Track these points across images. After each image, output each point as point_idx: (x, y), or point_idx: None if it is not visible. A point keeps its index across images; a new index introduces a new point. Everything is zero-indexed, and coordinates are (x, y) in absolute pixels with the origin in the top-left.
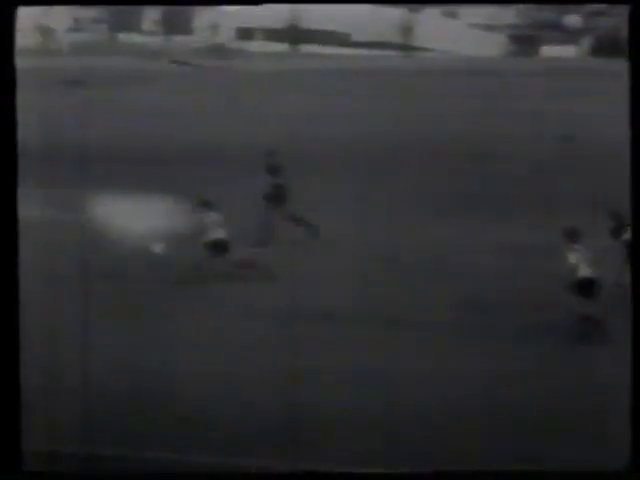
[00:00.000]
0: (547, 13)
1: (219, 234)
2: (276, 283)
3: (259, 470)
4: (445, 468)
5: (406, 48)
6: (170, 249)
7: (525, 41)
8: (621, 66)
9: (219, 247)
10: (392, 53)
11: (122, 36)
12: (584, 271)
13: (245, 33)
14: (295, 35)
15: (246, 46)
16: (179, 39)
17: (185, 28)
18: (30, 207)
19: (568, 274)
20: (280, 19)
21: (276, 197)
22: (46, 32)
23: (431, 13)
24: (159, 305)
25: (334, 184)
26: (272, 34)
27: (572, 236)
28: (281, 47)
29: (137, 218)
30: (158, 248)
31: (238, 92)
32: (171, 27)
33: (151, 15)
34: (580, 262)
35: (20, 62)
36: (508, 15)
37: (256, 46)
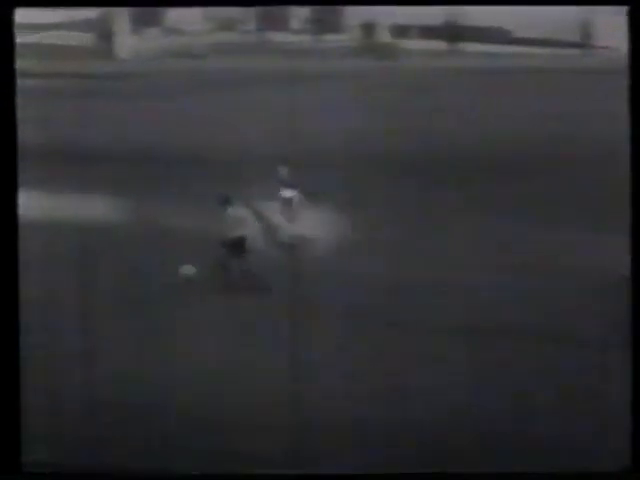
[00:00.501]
0: None
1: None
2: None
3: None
4: (445, 470)
5: (575, 45)
6: None
7: None
8: None
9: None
10: (559, 51)
11: (270, 35)
12: None
13: (401, 31)
14: (454, 32)
15: (403, 44)
16: (330, 38)
17: (336, 27)
18: None
19: None
20: (438, 16)
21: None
22: (187, 34)
23: (602, 9)
24: None
25: (493, 185)
26: (430, 32)
27: None
28: (439, 45)
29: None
30: None
31: (396, 90)
32: (322, 26)
33: (300, 14)
34: None
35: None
36: None
37: (413, 44)
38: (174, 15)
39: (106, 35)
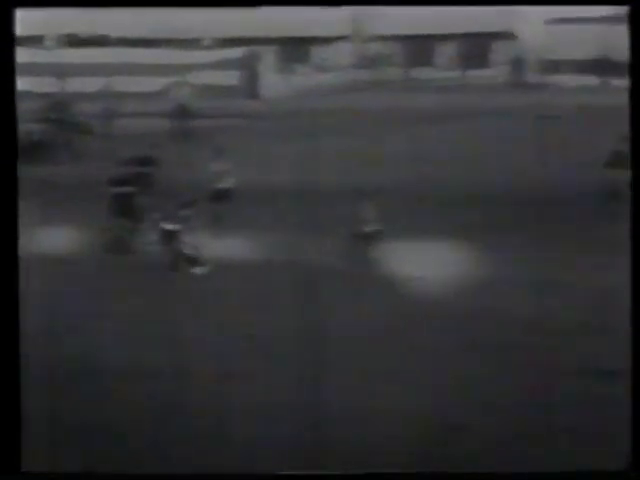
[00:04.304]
0: None
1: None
2: None
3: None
4: (444, 470)
5: None
6: None
7: None
8: None
9: None
10: None
11: (415, 72)
12: None
13: (549, 66)
14: (605, 67)
15: (552, 80)
16: (475, 73)
17: (481, 62)
18: None
19: None
20: (587, 50)
21: None
22: (333, 71)
23: None
24: None
25: None
26: (580, 66)
27: None
28: (590, 80)
29: None
30: None
31: (544, 129)
32: (466, 61)
33: (445, 50)
34: None
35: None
36: None
37: (563, 80)
38: (319, 52)
39: (252, 74)
